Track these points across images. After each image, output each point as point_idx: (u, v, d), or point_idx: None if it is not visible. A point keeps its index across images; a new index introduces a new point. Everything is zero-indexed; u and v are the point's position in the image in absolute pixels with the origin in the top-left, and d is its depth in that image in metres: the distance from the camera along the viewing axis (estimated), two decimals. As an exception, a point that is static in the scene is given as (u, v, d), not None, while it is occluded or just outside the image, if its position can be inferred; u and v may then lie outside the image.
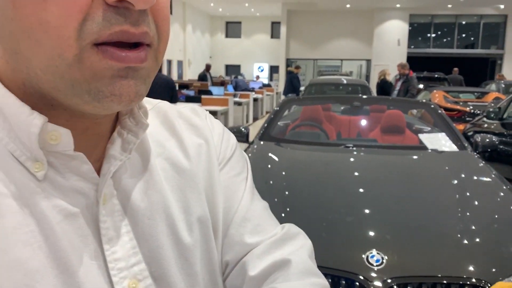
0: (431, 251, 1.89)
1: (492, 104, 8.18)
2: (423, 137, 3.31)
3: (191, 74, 21.04)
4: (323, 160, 3.00)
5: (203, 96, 9.02)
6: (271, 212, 0.66)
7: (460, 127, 6.08)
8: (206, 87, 11.32)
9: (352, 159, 2.99)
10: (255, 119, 13.41)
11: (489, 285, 1.72)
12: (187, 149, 0.58)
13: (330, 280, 1.79)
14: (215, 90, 10.88)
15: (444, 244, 1.93)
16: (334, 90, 9.25)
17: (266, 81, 19.67)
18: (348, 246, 1.93)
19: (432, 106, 3.82)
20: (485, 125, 5.53)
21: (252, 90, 14.02)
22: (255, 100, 13.36)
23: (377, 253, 1.84)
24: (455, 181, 2.56)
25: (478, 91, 10.30)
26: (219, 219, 0.58)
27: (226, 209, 0.59)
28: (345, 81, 9.98)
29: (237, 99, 11.35)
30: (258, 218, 0.62)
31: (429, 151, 3.12)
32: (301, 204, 2.29)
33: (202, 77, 13.45)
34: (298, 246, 0.61)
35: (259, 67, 25.03)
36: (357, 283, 1.76)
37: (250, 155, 3.12)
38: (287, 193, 2.37)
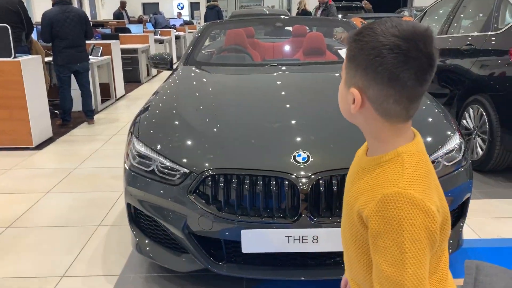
0: (352, 145, 2.04)
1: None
2: (343, 52, 3.44)
3: (105, 14, 19.67)
4: (249, 79, 3.05)
5: (121, 34, 8.54)
6: None
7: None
8: (123, 25, 10.69)
9: (276, 76, 3.06)
10: (179, 57, 13.03)
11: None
12: None
13: (261, 182, 1.89)
14: (134, 28, 10.35)
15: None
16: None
17: (187, 19, 18.94)
18: (276, 149, 2.03)
19: (350, 23, 3.94)
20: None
21: (173, 27, 13.49)
22: (177, 38, 12.91)
23: (303, 152, 1.97)
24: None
25: (392, 17, 10.70)
26: None
27: None
28: (267, 12, 9.92)
29: (157, 36, 10.90)
30: None
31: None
32: (231, 119, 2.33)
33: (118, 15, 12.65)
34: None
35: (179, 4, 23.94)
36: (287, 181, 1.88)
37: (174, 80, 3.07)
38: (216, 113, 2.39)
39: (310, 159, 1.93)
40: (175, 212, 2.02)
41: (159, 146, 2.15)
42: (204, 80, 3.01)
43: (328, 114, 2.34)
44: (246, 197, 1.91)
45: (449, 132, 2.18)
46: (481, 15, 4.19)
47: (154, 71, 9.62)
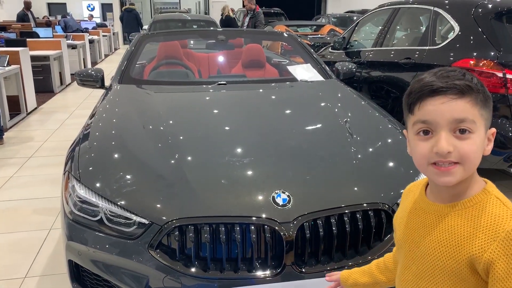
0: (334, 182, 1.86)
1: (328, 37, 8.77)
2: (292, 69, 3.28)
3: (5, 15, 17.86)
4: (201, 103, 2.74)
5: (28, 39, 7.67)
6: None
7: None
8: (29, 28, 9.70)
9: (231, 98, 2.80)
10: (94, 63, 12.16)
11: (387, 206, 1.78)
12: None
13: (238, 228, 1.64)
14: (42, 32, 9.43)
15: (346, 173, 1.92)
16: (180, 27, 8.81)
17: (99, 21, 17.83)
18: (252, 190, 1.77)
19: (297, 39, 3.81)
20: (329, 56, 5.85)
21: (86, 31, 12.57)
22: (90, 42, 12.02)
23: (282, 192, 1.74)
24: (334, 108, 2.59)
25: (314, 25, 10.94)
26: None
27: None
28: (189, 18, 9.58)
29: (70, 41, 10.02)
30: None
31: (300, 81, 3.12)
32: (193, 154, 2.02)
33: (22, 17, 11.48)
34: None
35: (89, 5, 22.49)
36: (268, 228, 1.64)
37: (111, 102, 2.69)
38: (173, 147, 2.05)
39: (291, 200, 1.71)
40: (133, 271, 1.68)
41: (107, 191, 1.79)
42: (146, 100, 2.65)
43: (301, 144, 2.14)
44: (221, 249, 1.64)
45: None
46: (416, 28, 4.28)
47: (68, 79, 8.81)
